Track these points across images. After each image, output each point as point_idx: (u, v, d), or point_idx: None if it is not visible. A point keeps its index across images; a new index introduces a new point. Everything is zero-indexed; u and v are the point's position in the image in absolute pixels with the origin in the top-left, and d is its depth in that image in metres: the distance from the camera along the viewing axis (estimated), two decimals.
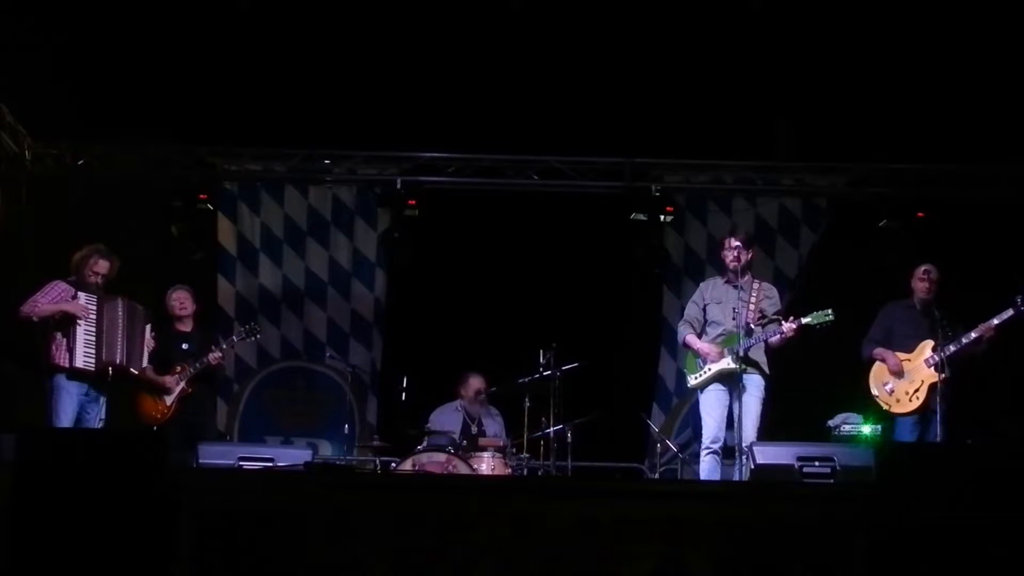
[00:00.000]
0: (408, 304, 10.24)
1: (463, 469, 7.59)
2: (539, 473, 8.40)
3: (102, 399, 7.80)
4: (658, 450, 9.14)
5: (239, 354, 9.93)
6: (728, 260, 7.67)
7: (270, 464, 7.46)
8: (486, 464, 7.81)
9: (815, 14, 8.65)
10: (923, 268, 7.93)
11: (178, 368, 8.19)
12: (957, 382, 7.71)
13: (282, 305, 10.29)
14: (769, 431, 7.65)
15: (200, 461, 7.26)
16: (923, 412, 7.66)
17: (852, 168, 10.01)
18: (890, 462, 5.43)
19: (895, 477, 5.32)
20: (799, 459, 7.00)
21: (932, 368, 7.62)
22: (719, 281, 7.85)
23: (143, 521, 5.14)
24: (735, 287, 7.64)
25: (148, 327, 8.01)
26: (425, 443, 8.02)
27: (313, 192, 10.32)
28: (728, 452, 7.60)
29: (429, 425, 8.52)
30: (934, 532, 5.12)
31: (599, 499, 5.58)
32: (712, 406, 7.59)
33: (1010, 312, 7.57)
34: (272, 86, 9.13)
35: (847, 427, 8.17)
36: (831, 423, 8.27)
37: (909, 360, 7.78)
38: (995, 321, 7.59)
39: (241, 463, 7.41)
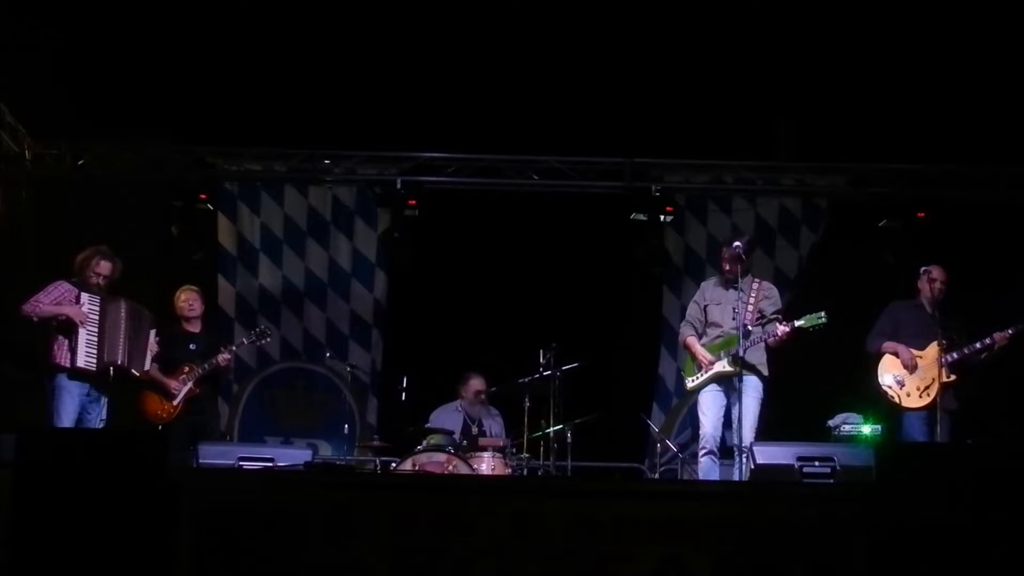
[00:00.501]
0: (408, 304, 10.24)
1: (463, 469, 7.58)
2: (539, 473, 8.39)
3: (103, 399, 7.81)
4: (658, 450, 9.14)
5: (239, 354, 9.89)
6: (725, 269, 7.69)
7: (270, 464, 7.46)
8: (486, 464, 7.81)
9: (815, 14, 8.65)
10: (935, 270, 7.91)
11: (186, 369, 8.21)
12: (965, 383, 7.73)
13: (282, 305, 10.29)
14: (769, 431, 7.66)
15: (200, 461, 7.25)
16: (932, 410, 7.67)
17: (852, 168, 10.01)
18: (890, 462, 5.44)
19: (895, 477, 5.33)
20: (799, 459, 7.00)
21: (945, 368, 7.63)
22: (719, 281, 7.87)
23: (143, 521, 5.14)
24: (734, 288, 7.66)
25: (153, 332, 8.02)
26: (425, 443, 8.01)
27: (313, 192, 10.31)
28: (727, 452, 7.61)
29: (429, 425, 8.52)
30: (934, 532, 5.13)
31: (599, 499, 5.58)
32: (708, 406, 7.62)
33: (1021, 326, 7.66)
34: (272, 86, 9.13)
35: (847, 427, 8.16)
36: (831, 423, 8.27)
37: (921, 357, 7.79)
38: (1010, 331, 7.65)
39: (241, 463, 7.41)
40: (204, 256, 10.02)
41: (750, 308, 7.51)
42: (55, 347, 7.68)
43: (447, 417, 8.77)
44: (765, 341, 7.48)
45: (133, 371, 7.87)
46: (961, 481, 5.21)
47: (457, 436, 8.28)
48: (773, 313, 7.64)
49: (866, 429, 8.06)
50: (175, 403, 8.16)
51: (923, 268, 7.94)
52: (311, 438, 9.79)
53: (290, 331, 10.22)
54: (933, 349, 7.72)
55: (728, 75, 9.09)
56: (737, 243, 7.65)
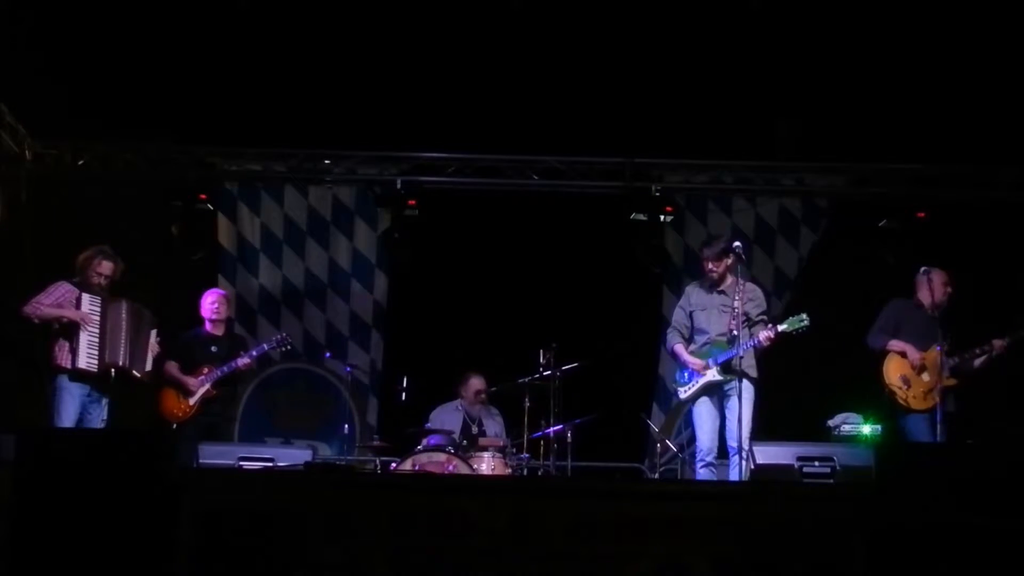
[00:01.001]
0: (408, 304, 10.24)
1: (463, 469, 7.58)
2: (539, 473, 8.40)
3: (104, 400, 7.82)
4: (658, 450, 9.14)
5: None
6: (712, 272, 7.70)
7: (270, 464, 7.48)
8: (486, 464, 7.81)
9: (815, 14, 8.64)
10: (936, 273, 7.88)
11: (205, 370, 8.27)
12: (963, 386, 7.74)
13: (282, 306, 10.29)
14: (769, 431, 7.66)
15: (200, 461, 7.26)
16: (935, 412, 7.67)
17: (852, 168, 10.01)
18: (890, 462, 5.44)
19: (895, 477, 5.33)
20: (799, 459, 7.02)
21: (948, 371, 7.63)
22: (703, 286, 7.85)
23: (143, 521, 5.14)
24: (719, 292, 7.66)
25: (154, 332, 8.04)
26: (425, 442, 8.01)
27: (313, 192, 10.32)
28: (722, 452, 7.60)
29: (429, 424, 8.53)
30: (934, 532, 5.13)
31: (599, 499, 5.57)
32: (703, 419, 7.62)
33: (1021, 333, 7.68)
34: (272, 86, 9.12)
35: (847, 427, 8.17)
36: (831, 423, 8.27)
37: (926, 358, 7.79)
38: (1008, 340, 7.69)
39: (241, 463, 7.43)
40: (204, 256, 10.02)
41: (734, 313, 7.50)
42: (56, 348, 7.69)
43: (447, 416, 8.78)
44: (752, 347, 7.44)
45: (134, 372, 7.88)
46: (961, 481, 5.21)
47: (457, 436, 8.29)
48: (758, 315, 7.64)
49: (866, 429, 8.07)
50: (191, 402, 8.22)
51: (923, 269, 7.92)
52: (311, 439, 9.78)
53: (290, 332, 10.10)
54: (934, 352, 7.72)
55: (728, 75, 9.08)
56: (737, 243, 7.66)
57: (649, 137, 9.56)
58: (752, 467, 7.00)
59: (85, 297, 7.75)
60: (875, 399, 7.99)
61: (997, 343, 7.72)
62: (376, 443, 8.59)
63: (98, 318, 7.75)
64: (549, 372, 8.30)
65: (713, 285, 7.72)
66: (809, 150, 9.81)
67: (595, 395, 8.77)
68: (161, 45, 8.81)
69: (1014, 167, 9.62)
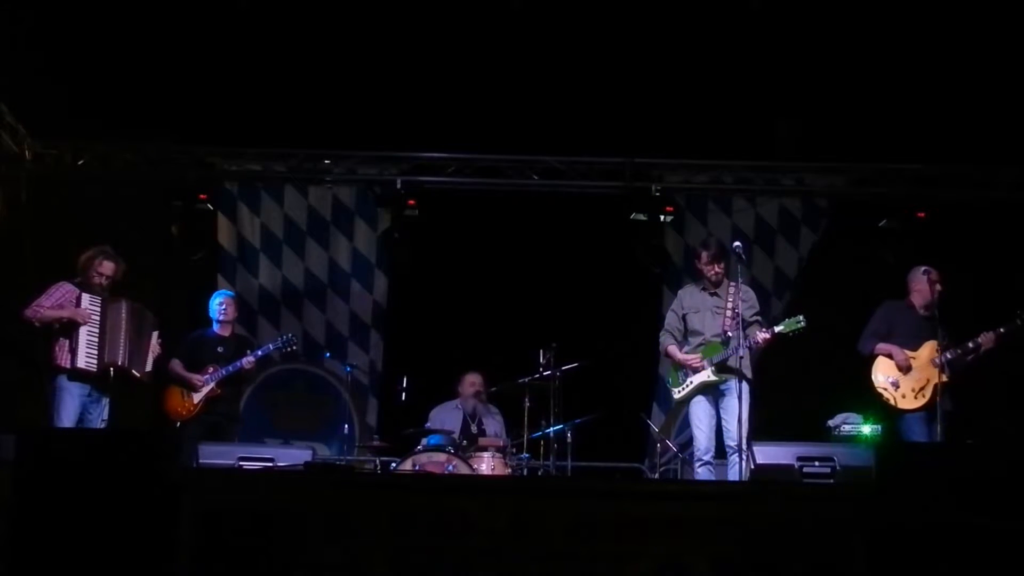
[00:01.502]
0: (408, 304, 10.24)
1: (463, 469, 7.58)
2: (539, 473, 8.39)
3: (104, 400, 7.82)
4: (658, 450, 9.13)
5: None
6: (708, 273, 7.69)
7: (270, 464, 7.47)
8: (486, 464, 7.81)
9: (815, 14, 8.64)
10: (932, 272, 7.89)
11: (210, 369, 8.31)
12: (958, 384, 7.72)
13: (281, 306, 10.29)
14: (769, 431, 7.65)
15: (200, 461, 7.25)
16: (929, 410, 7.67)
17: (852, 168, 10.02)
18: (890, 462, 5.43)
19: (895, 477, 5.33)
20: (799, 459, 7.01)
21: (938, 369, 7.63)
22: (696, 288, 7.87)
23: (143, 521, 5.14)
24: (712, 294, 7.67)
25: (156, 334, 8.05)
26: (425, 442, 8.01)
27: (313, 192, 10.32)
28: (721, 452, 7.61)
29: (429, 424, 8.53)
30: (934, 532, 5.12)
31: (599, 499, 5.57)
32: (700, 418, 7.63)
33: (1015, 324, 7.64)
34: (272, 86, 9.12)
35: (847, 427, 8.16)
36: (831, 423, 8.27)
37: (915, 358, 7.79)
38: (995, 333, 7.64)
39: (241, 463, 7.43)
40: (204, 256, 10.03)
41: (728, 314, 7.50)
42: (56, 348, 7.69)
43: (447, 415, 8.77)
44: (748, 348, 7.43)
45: (134, 372, 7.88)
46: (961, 481, 5.21)
47: (457, 435, 8.29)
48: (752, 317, 7.64)
49: (866, 429, 8.07)
50: (196, 400, 8.25)
51: (923, 269, 7.91)
52: (310, 441, 9.78)
53: (289, 332, 10.18)
54: (926, 350, 7.72)
55: (728, 75, 9.08)
56: (737, 243, 7.66)
57: (649, 137, 9.57)
58: (752, 467, 7.00)
59: (85, 297, 7.76)
60: (875, 399, 7.99)
61: (983, 338, 7.67)
62: (376, 443, 8.60)
63: (98, 317, 7.75)
64: (549, 372, 8.30)
65: (710, 287, 7.72)
66: (809, 150, 9.81)
67: (595, 395, 8.77)
68: (161, 45, 8.81)
69: (1014, 167, 9.63)
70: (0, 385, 8.80)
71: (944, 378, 7.59)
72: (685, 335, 7.81)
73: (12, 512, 5.17)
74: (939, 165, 9.72)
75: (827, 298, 9.10)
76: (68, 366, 7.65)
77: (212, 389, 8.32)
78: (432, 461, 7.67)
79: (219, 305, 8.60)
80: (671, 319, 7.91)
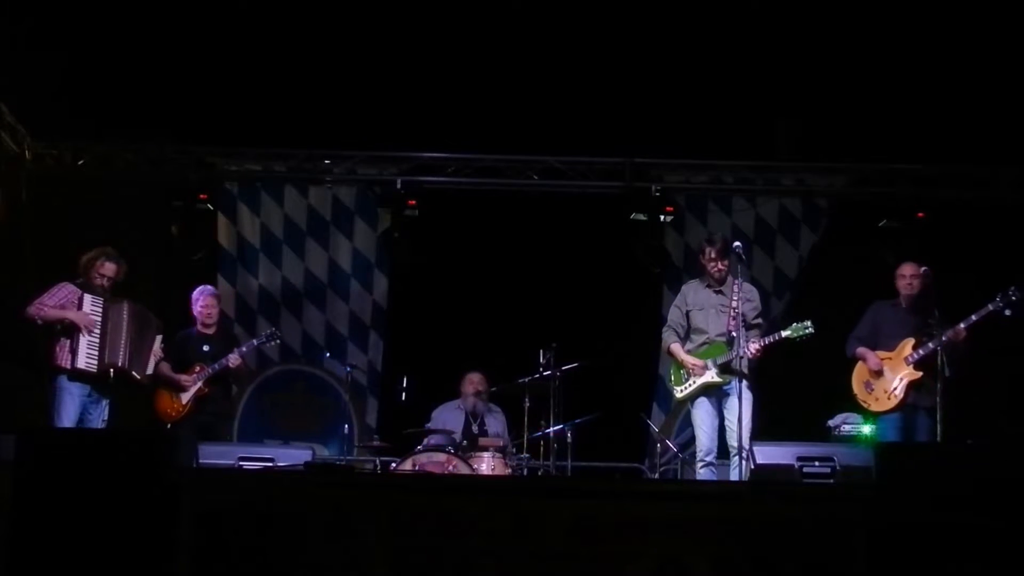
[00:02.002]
0: (408, 304, 10.24)
1: (463, 469, 7.58)
2: (539, 473, 8.39)
3: (104, 401, 7.82)
4: (658, 450, 9.13)
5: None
6: (712, 269, 7.68)
7: (270, 464, 7.46)
8: (486, 464, 7.81)
9: (815, 14, 8.64)
10: (907, 266, 7.90)
11: (197, 368, 8.27)
12: (953, 380, 7.68)
13: (281, 306, 10.29)
14: (769, 431, 7.65)
15: (200, 461, 7.25)
16: (902, 409, 7.66)
17: (852, 168, 10.02)
18: (890, 462, 5.43)
19: (895, 477, 5.33)
20: (799, 459, 7.00)
21: (911, 366, 7.62)
22: (700, 285, 7.84)
23: (143, 521, 5.14)
24: (717, 292, 7.66)
25: (159, 338, 8.04)
26: (425, 442, 8.01)
27: (313, 192, 10.32)
28: (723, 452, 7.60)
29: (430, 424, 8.53)
30: (934, 532, 5.12)
31: (599, 499, 5.57)
32: (703, 419, 7.62)
33: (988, 309, 7.53)
34: (272, 86, 9.13)
35: (847, 427, 8.17)
36: (831, 423, 8.27)
37: (890, 359, 7.78)
38: (973, 318, 7.57)
39: (241, 463, 7.42)
40: (204, 256, 10.03)
41: (732, 314, 7.48)
42: (56, 348, 7.70)
43: (448, 415, 8.78)
44: (750, 352, 7.40)
45: (134, 374, 7.88)
46: (961, 481, 5.21)
47: (458, 435, 8.28)
48: (755, 318, 7.64)
49: (866, 429, 8.07)
50: (184, 401, 8.21)
51: (902, 266, 7.93)
52: (309, 441, 9.78)
53: (289, 332, 10.19)
54: (904, 347, 7.73)
55: (728, 75, 9.09)
56: (737, 243, 7.65)
57: (649, 137, 9.57)
58: (752, 467, 7.00)
59: (87, 298, 7.76)
60: (856, 398, 8.01)
61: (950, 332, 7.52)
62: (376, 443, 8.59)
63: (99, 319, 7.75)
64: (549, 372, 8.29)
65: (714, 284, 7.70)
66: (809, 150, 9.82)
67: (595, 395, 8.76)
68: (161, 45, 8.82)
69: (1014, 167, 9.63)
70: (0, 385, 8.80)
71: (917, 375, 7.58)
72: (688, 332, 7.79)
73: (12, 512, 5.17)
74: (939, 165, 9.72)
75: (827, 298, 9.09)
76: (68, 366, 7.65)
77: (200, 388, 8.25)
78: (432, 461, 7.67)
79: (200, 303, 8.48)
80: (674, 314, 7.87)
